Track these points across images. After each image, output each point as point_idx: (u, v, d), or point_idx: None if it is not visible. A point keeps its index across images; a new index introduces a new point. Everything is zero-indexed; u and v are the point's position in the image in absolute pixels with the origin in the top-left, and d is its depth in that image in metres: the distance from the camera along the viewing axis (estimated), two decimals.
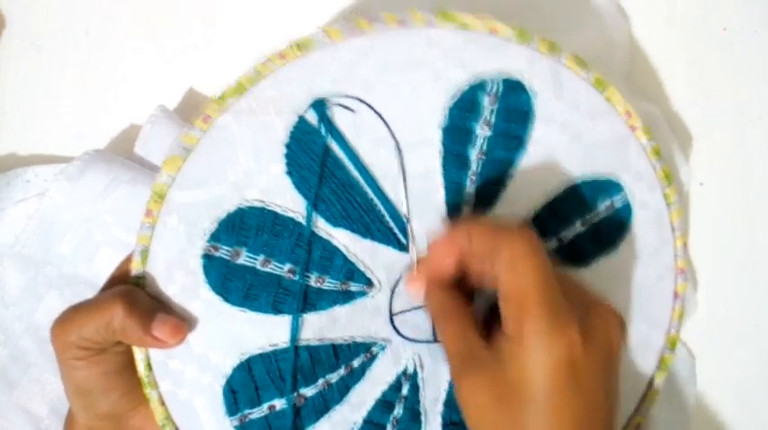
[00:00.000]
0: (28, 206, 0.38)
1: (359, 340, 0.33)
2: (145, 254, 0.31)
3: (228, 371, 0.32)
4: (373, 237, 0.32)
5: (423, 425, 0.34)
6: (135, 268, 0.31)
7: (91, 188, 0.37)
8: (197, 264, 0.31)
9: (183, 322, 0.31)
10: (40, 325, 0.38)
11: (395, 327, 0.33)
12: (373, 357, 0.33)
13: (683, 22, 0.42)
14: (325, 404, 0.33)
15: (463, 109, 0.32)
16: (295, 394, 0.32)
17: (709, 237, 0.42)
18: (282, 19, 0.40)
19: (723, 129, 0.42)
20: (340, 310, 0.32)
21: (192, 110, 0.40)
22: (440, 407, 0.34)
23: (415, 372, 0.34)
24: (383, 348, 0.33)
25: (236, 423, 0.32)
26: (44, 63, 0.42)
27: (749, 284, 0.42)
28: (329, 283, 0.32)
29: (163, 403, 0.31)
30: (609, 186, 0.34)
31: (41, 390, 0.38)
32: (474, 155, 0.32)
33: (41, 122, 0.42)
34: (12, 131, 0.41)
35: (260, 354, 0.32)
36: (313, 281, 0.32)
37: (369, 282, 0.33)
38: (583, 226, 0.34)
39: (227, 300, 0.31)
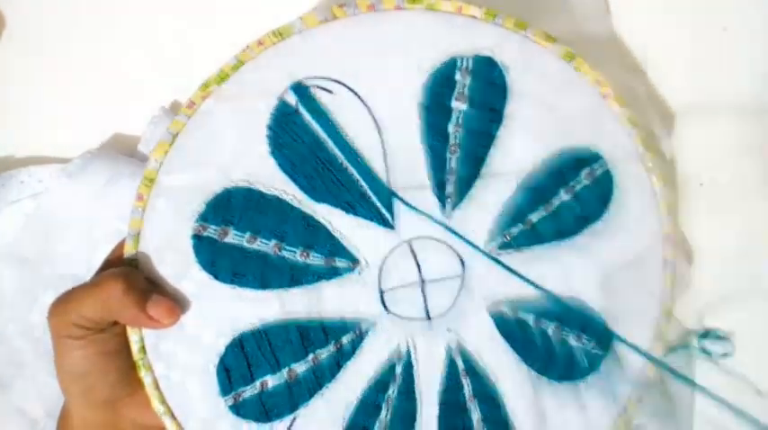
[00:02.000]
0: (22, 207, 0.39)
1: (347, 317, 0.33)
2: (137, 237, 0.32)
3: (222, 349, 0.32)
4: (356, 213, 0.33)
5: (418, 406, 0.33)
6: (128, 251, 0.32)
7: (93, 183, 0.38)
8: (187, 245, 0.32)
9: (178, 303, 0.31)
10: (35, 326, 0.38)
11: (385, 305, 0.33)
12: (363, 335, 0.33)
13: (683, 22, 0.42)
14: (317, 381, 0.33)
15: (438, 85, 0.33)
16: (285, 370, 0.32)
17: (709, 236, 0.42)
18: (277, 20, 0.42)
19: (723, 129, 0.42)
20: (326, 286, 0.33)
21: None
22: (435, 387, 0.34)
23: (408, 352, 0.34)
24: (373, 326, 0.33)
25: (230, 402, 0.32)
26: (44, 63, 0.43)
27: (749, 284, 0.41)
28: (314, 258, 0.33)
29: (157, 386, 0.32)
30: (587, 155, 0.34)
31: (37, 392, 0.38)
32: (452, 128, 0.33)
33: (39, 123, 0.43)
34: (9, 132, 0.43)
35: (251, 331, 0.32)
36: (298, 255, 0.33)
37: (354, 259, 0.33)
38: (567, 194, 0.34)
39: (216, 277, 0.32)
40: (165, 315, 0.31)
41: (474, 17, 0.33)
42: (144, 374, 0.32)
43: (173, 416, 0.32)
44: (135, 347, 0.32)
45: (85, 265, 0.39)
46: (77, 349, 0.30)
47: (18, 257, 0.39)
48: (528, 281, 0.34)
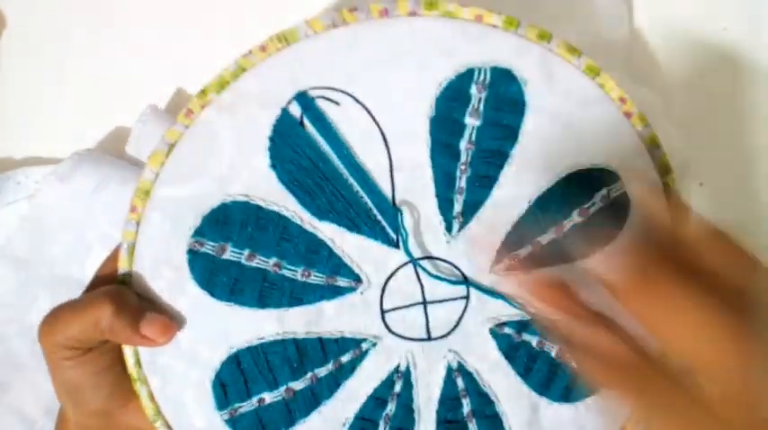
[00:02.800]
0: (19, 208, 0.38)
1: (348, 336, 0.32)
2: (131, 250, 0.31)
3: (217, 365, 0.31)
4: (360, 231, 0.32)
5: (416, 423, 0.33)
6: (121, 265, 0.31)
7: (82, 188, 0.38)
8: (182, 260, 0.31)
9: (172, 320, 0.31)
10: (32, 326, 0.37)
11: (386, 325, 0.33)
12: (363, 354, 0.33)
13: (682, 22, 0.42)
14: (314, 398, 0.32)
15: (450, 99, 0.31)
16: (283, 388, 0.32)
17: None
18: (276, 16, 0.40)
19: (724, 129, 0.42)
20: (327, 305, 0.32)
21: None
22: (434, 405, 0.33)
23: (408, 370, 0.33)
24: (374, 345, 0.33)
25: (226, 416, 0.32)
26: (43, 63, 0.42)
27: None
28: (315, 277, 0.32)
29: (153, 399, 0.31)
30: (604, 175, 0.33)
31: (35, 392, 0.38)
32: (463, 145, 0.32)
33: (37, 124, 0.42)
34: (6, 133, 0.42)
35: (248, 348, 0.31)
36: (299, 274, 0.31)
37: (357, 278, 0.32)
38: (580, 217, 0.33)
39: (213, 294, 0.31)
40: (160, 333, 0.30)
41: (494, 26, 0.31)
42: (139, 387, 0.31)
43: (168, 428, 0.32)
44: (130, 361, 0.31)
45: (80, 266, 0.38)
46: (68, 368, 0.30)
47: (15, 258, 0.38)
48: (524, 310, 0.33)
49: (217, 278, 0.31)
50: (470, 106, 0.31)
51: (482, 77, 0.31)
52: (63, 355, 0.29)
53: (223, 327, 0.31)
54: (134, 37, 0.42)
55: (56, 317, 0.29)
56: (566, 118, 0.32)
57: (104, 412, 0.32)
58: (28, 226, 0.38)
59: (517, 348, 0.33)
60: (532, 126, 0.32)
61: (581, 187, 0.32)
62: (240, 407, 0.32)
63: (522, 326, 0.33)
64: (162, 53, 0.42)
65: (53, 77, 0.42)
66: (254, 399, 0.32)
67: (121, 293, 0.30)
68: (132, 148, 0.38)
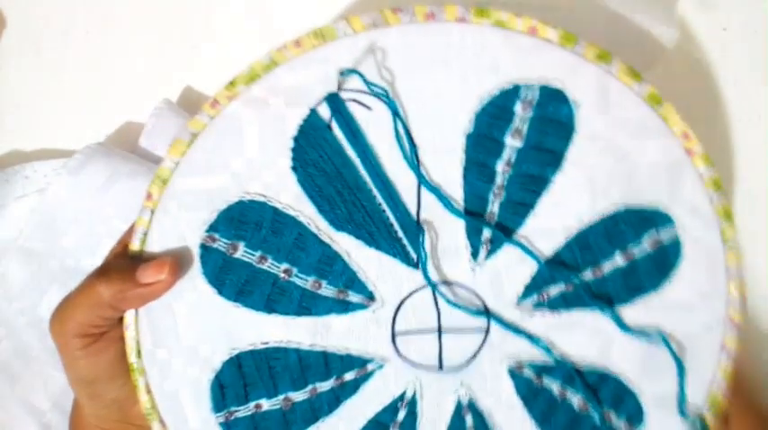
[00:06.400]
0: (28, 202, 0.38)
1: (354, 353, 0.31)
2: (143, 237, 0.30)
3: (218, 365, 0.30)
4: (378, 247, 0.30)
5: None
6: (132, 251, 0.30)
7: (92, 181, 0.38)
8: (194, 254, 0.30)
9: (165, 257, 0.29)
10: (42, 319, 0.38)
11: (396, 348, 0.31)
12: (368, 374, 0.31)
13: (683, 22, 0.41)
14: (313, 413, 0.31)
15: (492, 115, 0.29)
16: (282, 397, 0.30)
17: None
18: (286, 14, 0.39)
19: (723, 129, 0.40)
20: (336, 319, 0.30)
21: (192, 104, 0.40)
22: None
23: (414, 400, 0.31)
24: (380, 367, 0.31)
25: (221, 419, 0.31)
26: (44, 63, 0.42)
27: (750, 287, 0.39)
28: (326, 289, 0.30)
29: (149, 391, 0.31)
30: (656, 218, 0.29)
31: (44, 385, 0.38)
32: (500, 167, 0.29)
33: (40, 122, 0.42)
34: (11, 130, 0.42)
35: (251, 351, 0.30)
36: (309, 284, 0.30)
37: (370, 295, 0.30)
38: (624, 260, 0.30)
39: (221, 292, 0.30)
40: (158, 272, 0.29)
41: (549, 41, 0.28)
42: (137, 378, 0.30)
43: (161, 423, 0.31)
44: (131, 351, 0.30)
45: (91, 259, 0.38)
46: (83, 359, 0.30)
47: (25, 251, 0.39)
48: (548, 350, 0.30)
49: (226, 276, 0.30)
50: (512, 126, 0.29)
51: (529, 96, 0.28)
52: (76, 346, 0.29)
53: (227, 327, 0.30)
54: (145, 31, 0.42)
55: (61, 308, 0.29)
56: (618, 148, 0.29)
57: (119, 402, 0.31)
58: (39, 219, 0.38)
59: (537, 393, 0.31)
60: (579, 153, 0.29)
61: (628, 227, 0.29)
62: (236, 411, 0.31)
63: (543, 369, 0.31)
64: (173, 48, 0.41)
65: (62, 72, 0.42)
66: (252, 405, 0.31)
67: (106, 264, 0.29)
68: (146, 142, 0.38)
